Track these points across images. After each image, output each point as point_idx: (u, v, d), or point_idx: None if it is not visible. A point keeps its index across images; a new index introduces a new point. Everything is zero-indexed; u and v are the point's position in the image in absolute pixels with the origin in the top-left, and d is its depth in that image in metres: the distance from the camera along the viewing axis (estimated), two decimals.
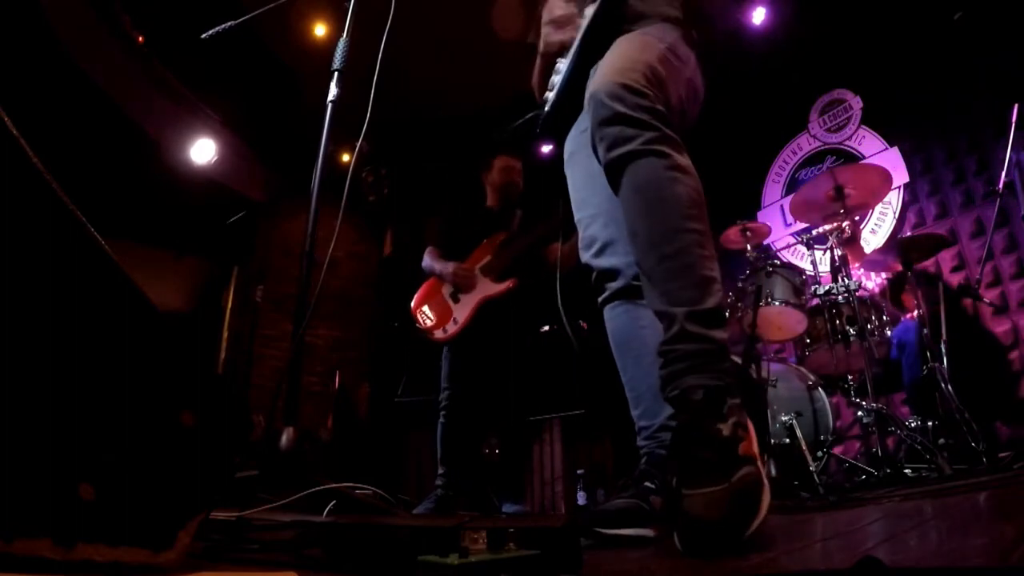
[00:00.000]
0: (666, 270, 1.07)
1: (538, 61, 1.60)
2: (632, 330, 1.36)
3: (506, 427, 2.92)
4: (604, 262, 1.42)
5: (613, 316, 1.41)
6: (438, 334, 2.88)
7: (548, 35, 1.51)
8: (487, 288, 2.86)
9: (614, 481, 3.80)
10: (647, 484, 1.15)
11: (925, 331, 2.90)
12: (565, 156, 1.55)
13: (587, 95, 1.21)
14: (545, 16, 1.53)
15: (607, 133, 1.14)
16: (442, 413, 2.79)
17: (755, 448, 0.92)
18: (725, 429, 0.90)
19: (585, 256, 1.46)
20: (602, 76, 1.21)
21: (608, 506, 1.13)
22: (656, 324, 1.16)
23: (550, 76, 1.53)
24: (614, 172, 1.14)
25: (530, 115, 1.60)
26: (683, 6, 1.46)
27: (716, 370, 0.97)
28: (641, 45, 1.30)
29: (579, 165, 1.51)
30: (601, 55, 1.34)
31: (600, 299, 1.44)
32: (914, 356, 3.04)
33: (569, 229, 1.82)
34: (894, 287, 3.41)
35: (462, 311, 2.86)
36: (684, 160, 1.13)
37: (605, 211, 1.42)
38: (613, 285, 1.40)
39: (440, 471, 2.71)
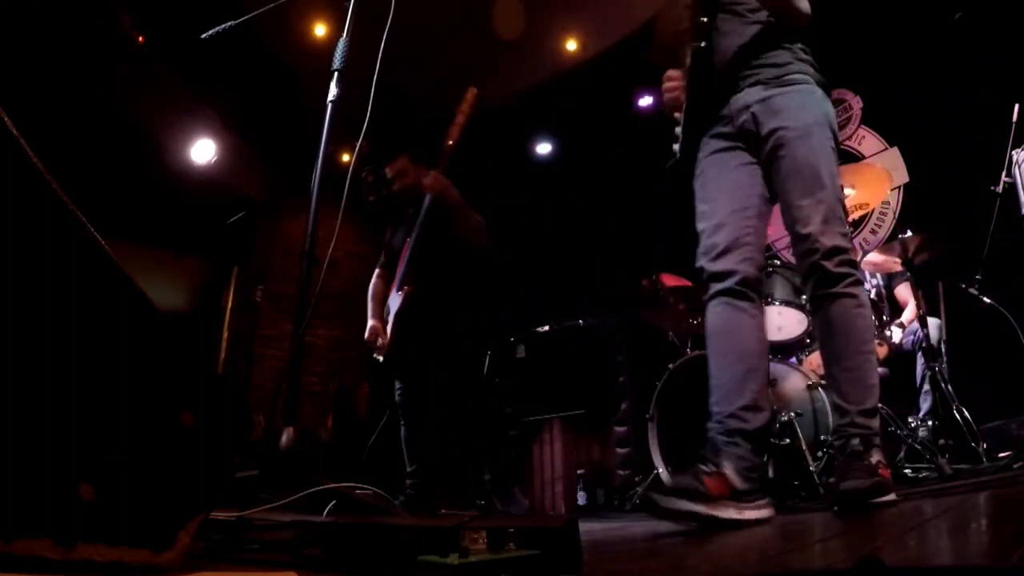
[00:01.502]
0: (846, 379, 1.56)
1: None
2: (726, 328, 1.64)
3: (486, 428, 2.95)
4: (718, 266, 1.66)
5: (714, 312, 1.66)
6: (378, 356, 2.91)
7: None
8: (395, 302, 2.86)
9: (615, 481, 3.80)
10: (702, 467, 1.45)
11: (925, 331, 2.90)
12: (695, 174, 1.79)
13: (797, 227, 1.60)
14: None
15: (818, 274, 1.57)
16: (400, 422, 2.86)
17: (888, 477, 1.46)
18: (872, 460, 1.46)
19: (701, 261, 1.70)
20: (806, 217, 1.58)
21: (670, 481, 1.54)
22: (748, 327, 1.62)
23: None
24: (816, 302, 1.61)
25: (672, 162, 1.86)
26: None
27: (870, 441, 1.51)
28: (824, 159, 1.61)
29: (708, 182, 1.75)
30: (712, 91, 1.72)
31: (705, 297, 1.71)
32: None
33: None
34: (887, 286, 3.41)
35: (389, 330, 2.87)
36: (864, 295, 1.60)
37: (728, 222, 1.68)
38: (719, 286, 1.65)
39: (408, 470, 2.77)
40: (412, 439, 2.80)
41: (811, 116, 1.64)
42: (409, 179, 3.06)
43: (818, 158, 1.60)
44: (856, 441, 1.50)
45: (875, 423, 1.54)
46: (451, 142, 2.76)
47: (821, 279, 1.59)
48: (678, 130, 1.81)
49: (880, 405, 2.54)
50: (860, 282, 1.60)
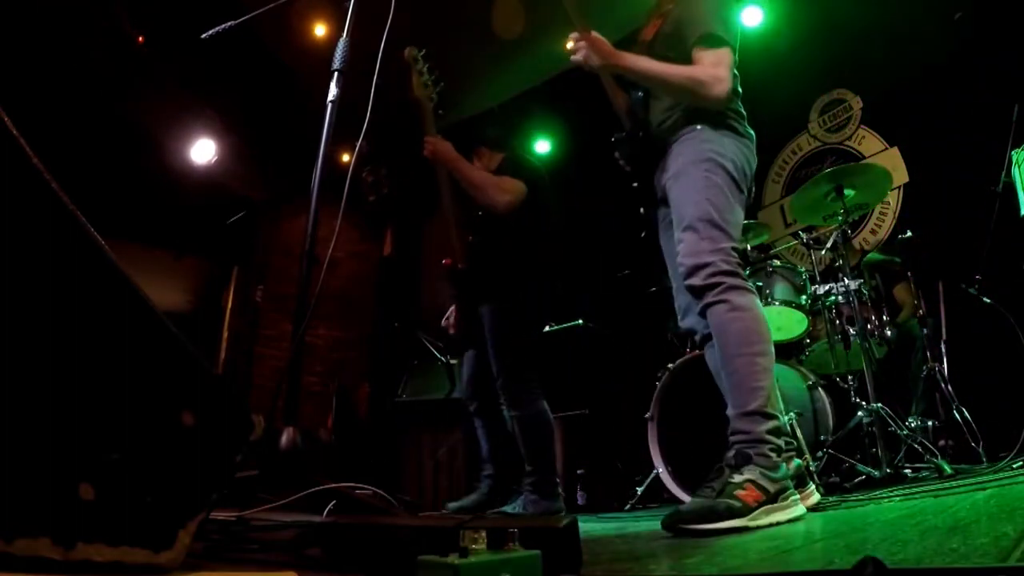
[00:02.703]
0: (730, 384, 1.57)
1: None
2: (713, 366, 1.79)
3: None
4: (684, 324, 1.87)
5: (706, 357, 1.84)
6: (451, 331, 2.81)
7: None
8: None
9: (615, 481, 3.80)
10: (731, 481, 1.45)
11: (925, 331, 2.90)
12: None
13: (676, 249, 1.69)
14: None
15: (692, 293, 1.65)
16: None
17: (753, 499, 1.36)
18: (736, 478, 1.40)
19: (678, 320, 1.92)
20: (681, 247, 1.67)
21: (696, 503, 1.40)
22: None
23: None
24: (702, 314, 1.65)
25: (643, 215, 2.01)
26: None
27: (751, 449, 1.46)
28: (693, 191, 1.69)
29: (663, 250, 1.95)
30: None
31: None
32: (907, 357, 3.05)
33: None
34: (887, 284, 3.41)
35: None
36: (742, 299, 1.60)
37: (680, 284, 1.79)
38: (696, 338, 1.85)
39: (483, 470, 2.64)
40: (482, 435, 2.62)
41: (685, 159, 1.74)
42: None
43: (685, 192, 1.71)
44: (731, 454, 1.47)
45: (759, 428, 1.47)
46: (421, 100, 2.57)
47: (695, 294, 1.65)
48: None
49: (881, 406, 2.56)
50: (735, 288, 1.60)
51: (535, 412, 2.43)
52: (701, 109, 1.77)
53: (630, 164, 1.90)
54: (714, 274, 1.61)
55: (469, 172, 2.56)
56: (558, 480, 2.51)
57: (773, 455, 1.45)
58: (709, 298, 1.61)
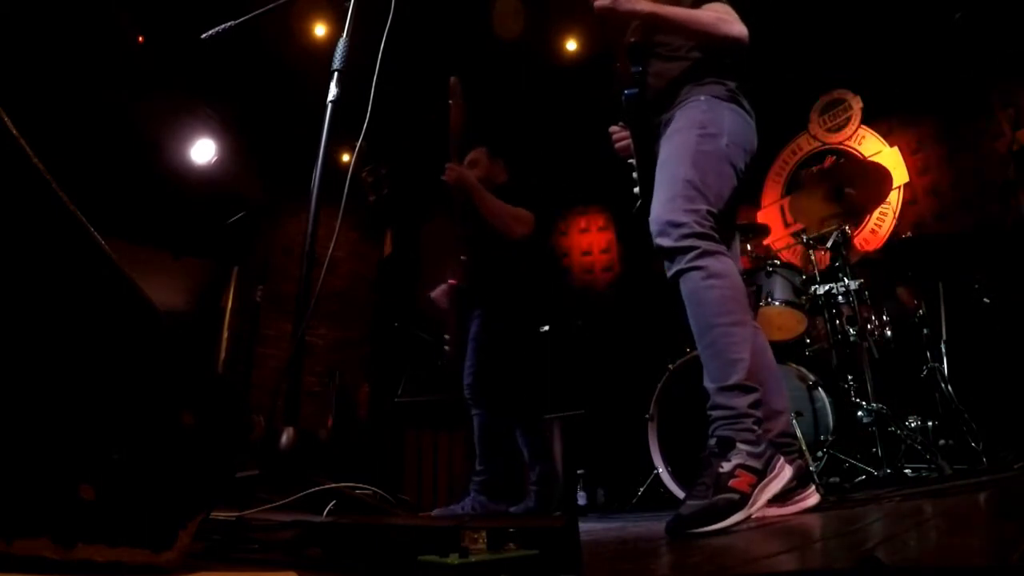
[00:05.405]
0: (707, 355, 1.50)
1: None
2: None
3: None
4: None
5: None
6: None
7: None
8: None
9: (614, 481, 3.80)
10: (721, 471, 1.38)
11: (925, 331, 2.90)
12: None
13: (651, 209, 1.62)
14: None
15: (663, 255, 1.57)
16: None
17: (748, 485, 1.32)
18: (726, 467, 1.34)
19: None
20: (654, 205, 1.62)
21: (693, 504, 1.31)
22: None
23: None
24: (673, 282, 1.56)
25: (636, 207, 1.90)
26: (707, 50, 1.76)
27: (733, 427, 1.40)
28: (679, 152, 1.65)
29: None
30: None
31: None
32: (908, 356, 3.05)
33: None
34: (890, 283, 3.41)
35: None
36: (718, 265, 1.51)
37: None
38: None
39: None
40: (530, 436, 2.72)
41: (679, 124, 1.71)
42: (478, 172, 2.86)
43: (673, 151, 1.67)
44: (713, 442, 1.41)
45: (740, 402, 1.42)
46: (455, 130, 2.71)
47: (664, 256, 1.56)
48: (635, 174, 1.87)
49: (881, 406, 2.56)
50: (710, 253, 1.52)
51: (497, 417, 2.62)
52: (704, 80, 1.76)
53: (634, 120, 1.83)
54: (687, 236, 1.51)
55: (490, 202, 2.70)
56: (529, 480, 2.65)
57: (756, 427, 1.41)
58: (682, 264, 1.51)
